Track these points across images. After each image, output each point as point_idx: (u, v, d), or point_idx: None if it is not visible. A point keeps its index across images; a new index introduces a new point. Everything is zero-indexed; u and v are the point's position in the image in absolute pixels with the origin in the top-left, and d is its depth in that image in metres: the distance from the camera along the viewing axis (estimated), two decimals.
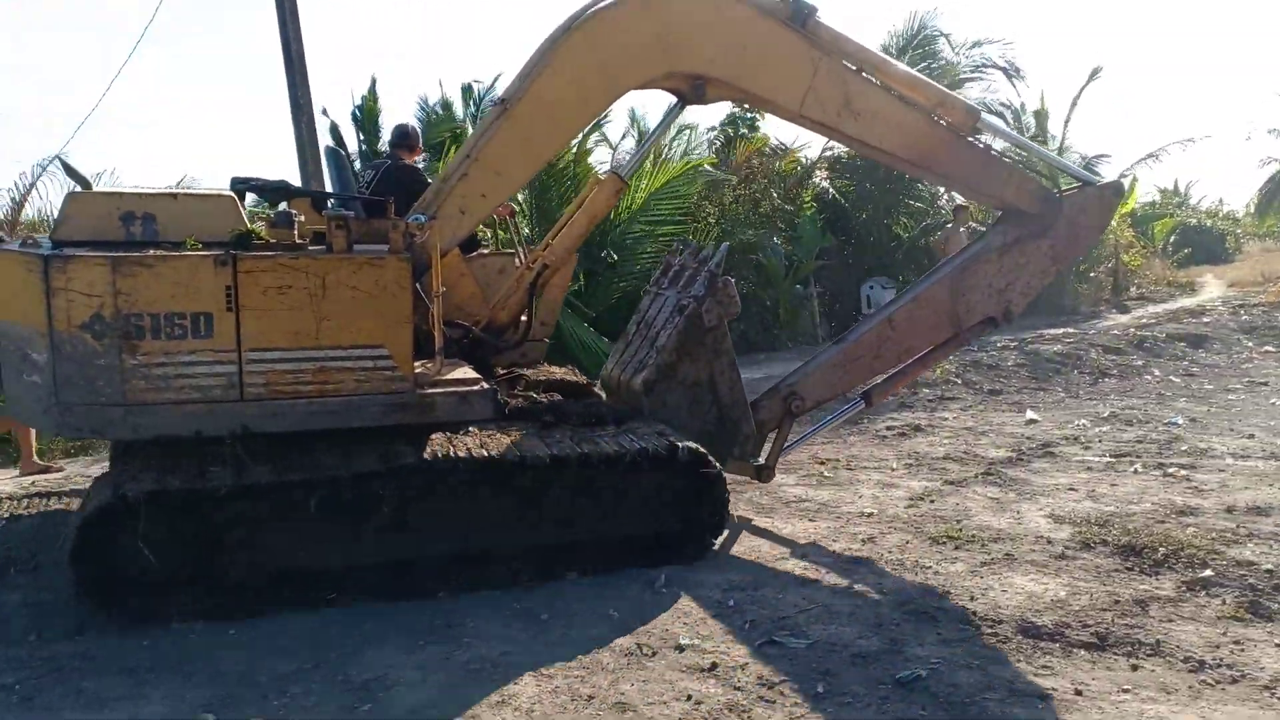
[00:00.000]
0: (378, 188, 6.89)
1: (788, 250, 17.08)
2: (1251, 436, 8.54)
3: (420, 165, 7.91)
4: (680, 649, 4.24)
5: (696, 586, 4.98)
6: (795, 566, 5.27)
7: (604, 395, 6.28)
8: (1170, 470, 7.25)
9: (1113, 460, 7.67)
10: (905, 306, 6.34)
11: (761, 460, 6.27)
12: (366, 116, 18.42)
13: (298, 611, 4.60)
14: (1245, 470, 7.30)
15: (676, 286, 6.05)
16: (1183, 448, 8.06)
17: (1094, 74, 21.42)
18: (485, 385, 5.23)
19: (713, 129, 20.08)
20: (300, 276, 4.64)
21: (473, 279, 6.73)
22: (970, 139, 6.04)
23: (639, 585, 5.00)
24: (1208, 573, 5.03)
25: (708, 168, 17.11)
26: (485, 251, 7.50)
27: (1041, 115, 20.82)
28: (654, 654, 4.19)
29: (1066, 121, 21.24)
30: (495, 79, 21.88)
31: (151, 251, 4.60)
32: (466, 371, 5.44)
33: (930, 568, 5.25)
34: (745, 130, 19.02)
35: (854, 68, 5.73)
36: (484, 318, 6.29)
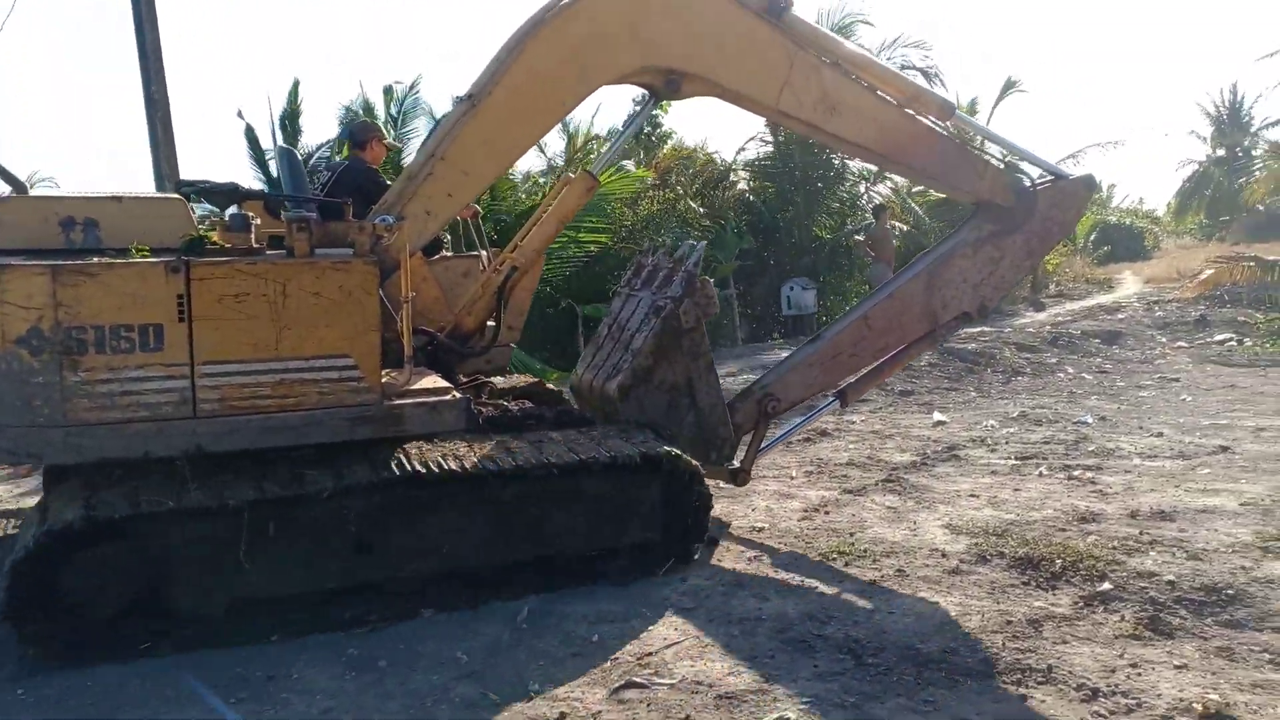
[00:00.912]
0: (333, 190, 6.53)
1: (707, 252, 16.75)
2: (1160, 435, 8.38)
3: (383, 158, 7.47)
4: (529, 697, 3.79)
5: (562, 619, 4.54)
6: (673, 593, 4.86)
7: (574, 402, 5.98)
8: (1075, 473, 7.02)
9: (1018, 463, 7.43)
10: (882, 303, 6.22)
11: (736, 464, 6.03)
12: (289, 119, 17.86)
13: (113, 663, 4.07)
14: (1152, 471, 7.08)
15: (651, 287, 5.81)
16: (1090, 448, 7.84)
17: (1010, 85, 21.57)
18: (457, 395, 4.92)
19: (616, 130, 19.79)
20: (259, 283, 4.32)
21: (436, 283, 6.43)
22: (944, 133, 5.97)
23: (499, 622, 4.54)
24: (1106, 586, 4.73)
25: (627, 164, 16.80)
26: (448, 255, 7.15)
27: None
28: (497, 705, 3.74)
29: (987, 123, 21.30)
30: (416, 80, 21.55)
31: (95, 259, 4.20)
32: (435, 380, 5.12)
33: (816, 588, 4.88)
34: (649, 128, 18.69)
35: (829, 62, 5.59)
36: (449, 323, 6.00)
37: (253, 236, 4.65)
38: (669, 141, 20.82)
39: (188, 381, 4.24)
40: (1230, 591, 4.60)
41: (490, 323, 6.00)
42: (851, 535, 5.71)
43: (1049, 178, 6.35)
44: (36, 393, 4.05)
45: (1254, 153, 48.30)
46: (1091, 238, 32.14)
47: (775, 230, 19.10)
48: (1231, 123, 49.19)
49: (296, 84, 18.32)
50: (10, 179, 5.23)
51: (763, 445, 6.22)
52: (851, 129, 5.68)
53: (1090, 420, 9.04)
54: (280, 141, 17.34)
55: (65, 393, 4.07)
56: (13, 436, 4.10)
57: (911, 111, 5.81)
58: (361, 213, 5.14)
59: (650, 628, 4.42)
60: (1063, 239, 8.31)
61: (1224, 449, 7.73)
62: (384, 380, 4.67)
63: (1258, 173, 26.65)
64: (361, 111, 20.40)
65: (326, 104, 68.42)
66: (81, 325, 4.07)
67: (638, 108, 5.74)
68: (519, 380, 6.15)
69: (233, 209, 5.10)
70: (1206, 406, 9.86)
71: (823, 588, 4.88)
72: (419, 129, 19.32)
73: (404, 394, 4.77)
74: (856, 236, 18.40)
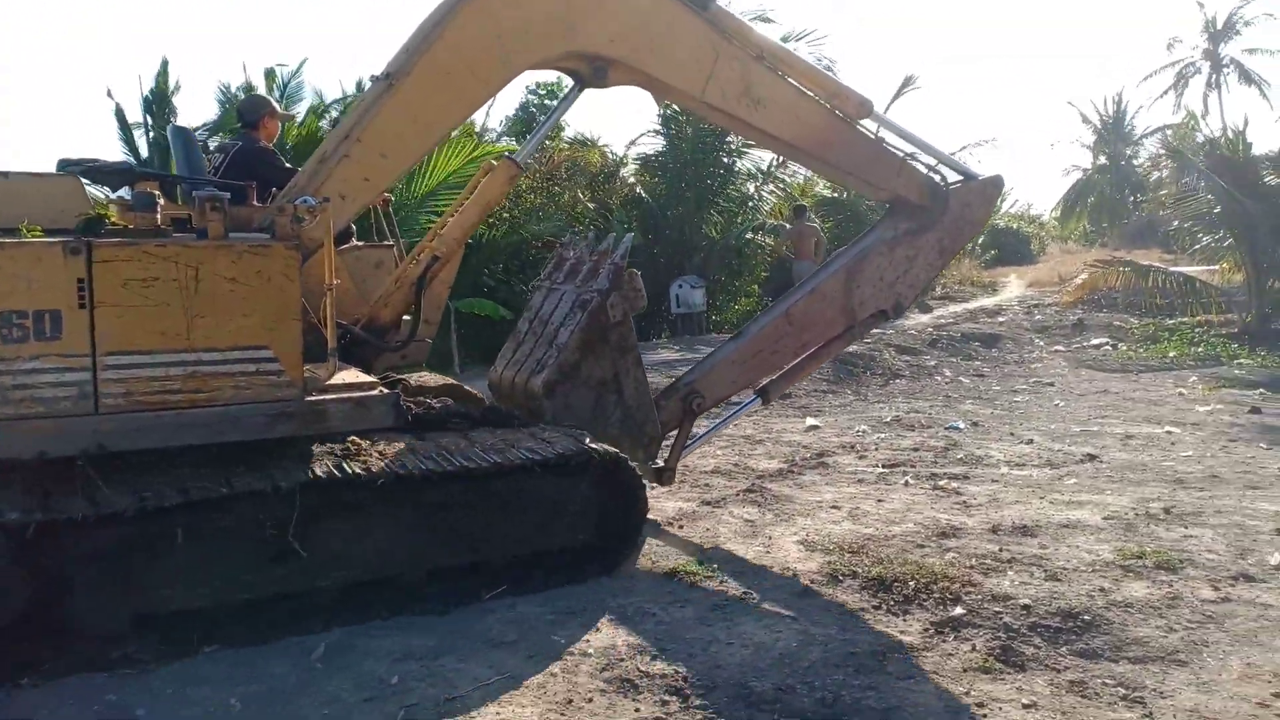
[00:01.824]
0: (226, 173, 6.01)
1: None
2: (1030, 441, 8.25)
3: (277, 135, 6.96)
4: None
5: (364, 656, 4.03)
6: (496, 623, 4.39)
7: (492, 400, 5.71)
8: (941, 483, 6.78)
9: (885, 471, 7.17)
10: (802, 300, 6.21)
11: (660, 463, 5.89)
12: (158, 100, 16.91)
13: None
14: (1018, 481, 6.90)
15: (575, 280, 5.64)
16: (959, 455, 7.65)
17: (908, 82, 21.64)
18: (385, 390, 4.68)
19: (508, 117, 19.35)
20: (169, 267, 4.01)
21: (347, 274, 5.96)
22: (863, 131, 5.97)
23: (291, 659, 4.00)
24: (959, 610, 4.43)
25: (508, 155, 16.26)
26: (359, 244, 6.64)
27: None
28: None
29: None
30: (301, 64, 20.66)
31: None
32: (358, 375, 4.84)
33: (655, 614, 4.46)
34: (542, 118, 18.22)
35: (754, 55, 5.52)
36: (363, 316, 5.63)
37: (159, 217, 4.29)
38: (562, 133, 20.33)
39: (89, 374, 3.90)
40: (1087, 617, 4.34)
41: (407, 316, 5.71)
42: (703, 551, 5.33)
43: (960, 177, 6.40)
44: None
45: (1135, 162, 50.17)
46: (980, 241, 32.73)
47: (664, 227, 18.77)
48: (1114, 132, 50.95)
49: (165, 63, 17.53)
50: None
51: (687, 444, 6.14)
52: (774, 123, 5.65)
53: (962, 426, 8.88)
54: (150, 123, 16.44)
55: None
56: None
57: (831, 108, 5.80)
58: (261, 197, 4.94)
59: (461, 665, 3.94)
60: (973, 238, 8.40)
61: (1092, 457, 7.62)
62: (306, 374, 4.37)
63: (1162, 194, 27.55)
64: (242, 94, 19.47)
65: (206, 84, 66.15)
66: None
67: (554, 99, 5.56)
68: (430, 379, 5.75)
69: (121, 191, 4.83)
70: (1078, 412, 9.84)
71: (660, 614, 4.47)
72: (304, 114, 18.67)
73: (326, 389, 4.47)
74: (778, 237, 18.30)
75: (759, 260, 19.30)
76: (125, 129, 16.58)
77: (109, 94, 22.98)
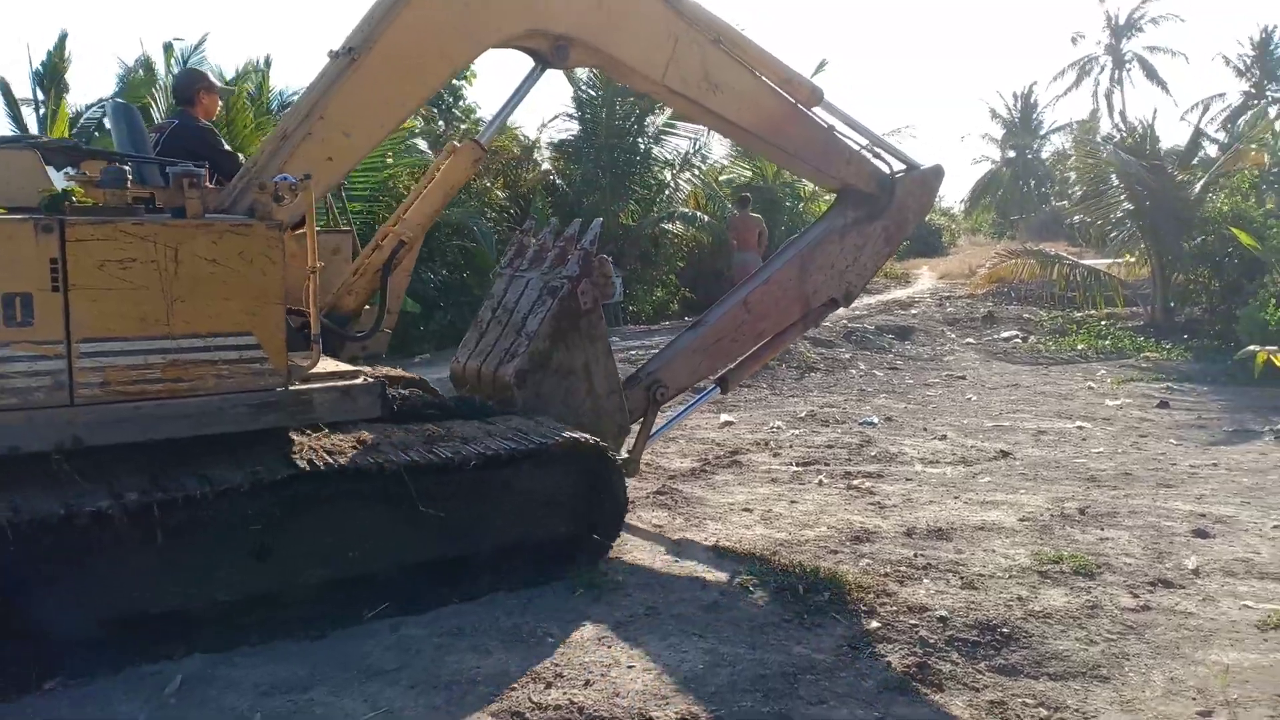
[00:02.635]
0: (163, 154, 5.43)
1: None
2: (944, 438, 8.13)
3: (216, 112, 6.41)
4: None
5: (226, 689, 3.62)
6: (377, 647, 4.01)
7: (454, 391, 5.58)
8: (856, 481, 6.59)
9: (799, 469, 6.96)
10: (759, 288, 6.21)
11: (625, 454, 5.71)
12: (51, 75, 16.06)
13: None
14: (933, 479, 6.74)
15: (540, 267, 5.55)
16: (872, 453, 7.48)
17: (822, 65, 21.55)
18: (370, 378, 4.48)
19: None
20: (147, 247, 3.76)
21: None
22: (815, 118, 5.98)
23: (143, 694, 3.58)
24: (874, 624, 4.20)
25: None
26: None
27: None
28: None
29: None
30: (203, 39, 19.87)
31: None
32: (337, 364, 4.70)
33: (552, 635, 4.13)
34: (449, 98, 17.74)
35: (712, 39, 5.49)
36: (324, 304, 5.21)
37: (129, 195, 4.03)
38: (474, 115, 19.78)
39: (63, 363, 3.65)
40: (1005, 630, 4.14)
41: (368, 306, 5.60)
42: (607, 562, 5.01)
43: (903, 167, 6.45)
44: None
45: (1042, 155, 51.36)
46: None
47: (580, 214, 18.37)
48: (1022, 126, 52.06)
49: (64, 36, 16.67)
50: None
51: (651, 433, 6.09)
52: (732, 109, 5.64)
53: (876, 421, 8.74)
54: (42, 98, 15.63)
55: None
56: None
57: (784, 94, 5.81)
58: None
59: (333, 699, 3.56)
60: (916, 225, 8.51)
61: (1005, 454, 7.53)
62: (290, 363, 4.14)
63: (1073, 192, 28.11)
64: (141, 70, 18.53)
65: (102, 59, 63.75)
66: None
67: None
68: (385, 370, 5.39)
69: (68, 169, 4.45)
70: (990, 406, 9.78)
71: (558, 634, 4.14)
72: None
73: (310, 378, 4.25)
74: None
75: (676, 249, 19.06)
76: (12, 105, 15.66)
77: None
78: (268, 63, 17.96)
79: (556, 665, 3.84)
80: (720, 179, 20.89)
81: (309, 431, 4.35)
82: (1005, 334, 15.23)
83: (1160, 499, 6.26)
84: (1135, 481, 6.76)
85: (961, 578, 4.77)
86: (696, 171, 19.52)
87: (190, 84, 6.06)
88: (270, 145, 4.64)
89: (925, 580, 4.73)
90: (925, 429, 8.50)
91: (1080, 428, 8.69)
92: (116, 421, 3.77)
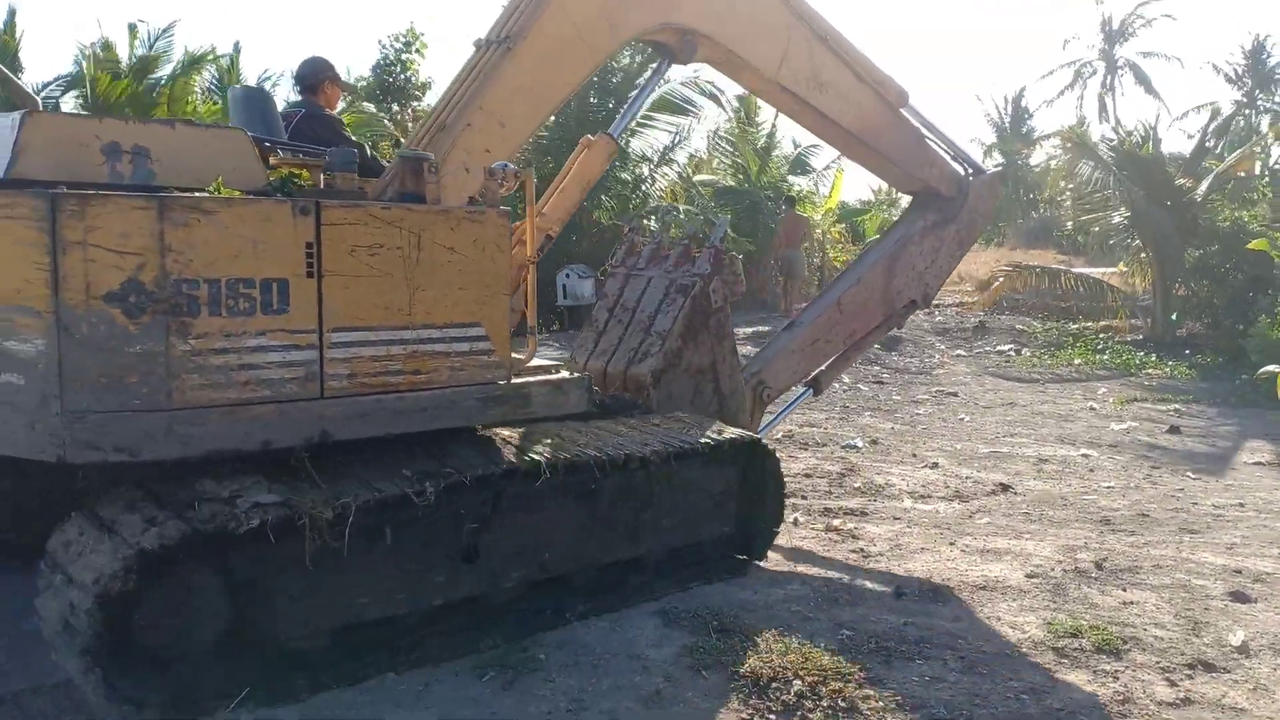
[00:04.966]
0: (294, 139, 5.13)
1: None
2: (935, 466, 7.31)
3: (338, 105, 6.23)
4: None
5: None
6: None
7: None
8: (836, 521, 5.74)
9: None
10: (851, 289, 6.22)
11: None
12: (0, 53, 15.66)
13: None
14: (924, 519, 5.90)
15: (663, 266, 5.49)
16: (856, 483, 6.65)
17: None
18: (577, 374, 4.48)
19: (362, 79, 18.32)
20: (393, 234, 3.62)
21: None
22: (907, 119, 5.99)
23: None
24: None
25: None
26: None
27: (748, 101, 19.81)
28: None
29: (779, 113, 20.42)
30: (172, 24, 19.15)
31: (206, 193, 3.35)
32: (540, 358, 4.56)
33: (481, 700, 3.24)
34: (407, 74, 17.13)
35: (818, 36, 5.49)
36: None
37: (357, 180, 3.92)
38: (429, 92, 18.89)
39: (315, 353, 3.47)
40: None
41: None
42: (531, 635, 4.11)
43: (970, 170, 6.47)
44: (133, 366, 3.14)
45: (1032, 162, 50.75)
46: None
47: None
48: (1013, 131, 51.43)
49: (13, 12, 15.96)
50: (19, 92, 4.26)
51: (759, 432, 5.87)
52: (835, 108, 5.63)
53: (860, 444, 7.90)
54: None
55: (172, 366, 3.18)
56: (95, 426, 3.09)
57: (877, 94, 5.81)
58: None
59: None
60: (984, 230, 8.18)
61: (1005, 488, 6.70)
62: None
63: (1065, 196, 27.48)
64: (100, 51, 17.72)
65: (52, 37, 62.78)
66: (194, 278, 3.19)
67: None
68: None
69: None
70: (985, 428, 8.96)
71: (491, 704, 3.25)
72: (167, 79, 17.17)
73: (524, 371, 4.18)
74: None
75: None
76: None
77: None
78: (237, 49, 17.26)
79: None
80: (696, 169, 20.12)
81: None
82: (999, 347, 14.41)
83: (1185, 549, 5.44)
84: (1154, 525, 5.93)
85: (961, 657, 3.91)
86: (673, 165, 18.73)
87: (317, 72, 5.78)
88: (424, 135, 4.57)
89: (918, 660, 3.87)
90: (914, 454, 7.67)
91: (1085, 456, 7.87)
92: (361, 415, 3.59)
